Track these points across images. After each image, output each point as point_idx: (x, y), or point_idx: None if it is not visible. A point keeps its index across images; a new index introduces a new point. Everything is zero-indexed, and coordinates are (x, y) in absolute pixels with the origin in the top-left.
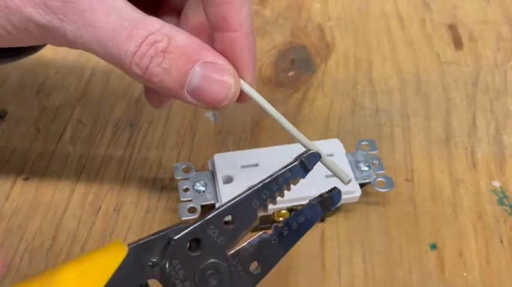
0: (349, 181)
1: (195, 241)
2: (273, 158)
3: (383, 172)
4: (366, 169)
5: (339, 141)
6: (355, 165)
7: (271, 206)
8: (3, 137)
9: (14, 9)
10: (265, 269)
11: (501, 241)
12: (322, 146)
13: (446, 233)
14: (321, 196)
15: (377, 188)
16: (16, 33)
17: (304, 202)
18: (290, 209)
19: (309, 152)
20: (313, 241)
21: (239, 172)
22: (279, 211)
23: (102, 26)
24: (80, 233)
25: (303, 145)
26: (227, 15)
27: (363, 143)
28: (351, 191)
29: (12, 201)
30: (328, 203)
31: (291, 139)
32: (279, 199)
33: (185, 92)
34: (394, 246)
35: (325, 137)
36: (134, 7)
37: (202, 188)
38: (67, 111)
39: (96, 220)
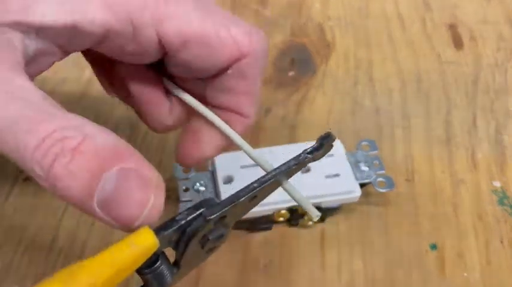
0: (318, 216)
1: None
2: (273, 158)
3: (383, 172)
4: (366, 169)
5: (339, 141)
6: (355, 165)
7: (271, 206)
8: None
9: None
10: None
11: (501, 241)
12: None
13: (446, 233)
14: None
15: (377, 189)
16: None
17: None
18: (290, 209)
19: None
20: (313, 241)
21: (239, 172)
22: (279, 211)
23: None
24: (79, 233)
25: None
26: (241, 106)
27: (363, 143)
28: (351, 191)
29: (12, 201)
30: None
31: (291, 139)
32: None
33: (94, 203)
34: (394, 246)
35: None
36: (49, 97)
37: (202, 188)
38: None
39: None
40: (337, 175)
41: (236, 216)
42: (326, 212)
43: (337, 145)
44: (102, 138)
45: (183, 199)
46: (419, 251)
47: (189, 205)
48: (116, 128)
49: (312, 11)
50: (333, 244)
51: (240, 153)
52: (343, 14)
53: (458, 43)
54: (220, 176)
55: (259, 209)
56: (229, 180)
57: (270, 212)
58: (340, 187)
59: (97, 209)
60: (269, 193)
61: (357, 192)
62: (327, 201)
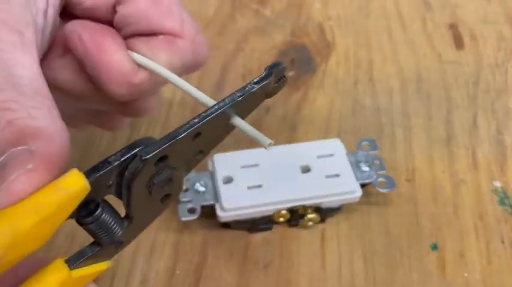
0: (270, 144)
1: (162, 157)
2: (273, 158)
3: (384, 172)
4: (367, 169)
5: (340, 141)
6: (355, 165)
7: (271, 206)
8: None
9: None
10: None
11: (502, 242)
12: (322, 146)
13: (447, 233)
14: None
15: (378, 189)
16: None
17: (304, 202)
18: (290, 210)
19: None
20: (314, 241)
21: (239, 172)
22: (279, 211)
23: None
24: (78, 233)
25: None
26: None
27: (363, 143)
28: (351, 191)
29: None
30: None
31: (291, 139)
32: None
33: None
34: (394, 246)
35: (325, 137)
36: (40, 80)
37: (202, 189)
38: None
39: None
40: (337, 175)
41: (181, 156)
42: (326, 212)
43: (338, 144)
44: (38, 122)
45: (183, 199)
46: (419, 251)
47: (190, 205)
48: None
49: (312, 10)
50: (333, 244)
51: (240, 153)
52: (343, 14)
53: (458, 43)
54: (220, 176)
55: (260, 210)
56: (229, 180)
57: (270, 213)
58: (341, 187)
59: None
60: (218, 131)
61: (358, 192)
62: (328, 201)
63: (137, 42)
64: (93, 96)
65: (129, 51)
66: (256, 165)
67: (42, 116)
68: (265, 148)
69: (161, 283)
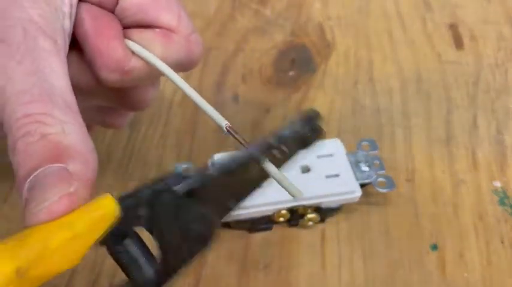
0: (299, 193)
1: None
2: None
3: (384, 172)
4: (367, 169)
5: (340, 141)
6: (355, 165)
7: (271, 206)
8: (3, 138)
9: None
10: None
11: (502, 242)
12: (322, 146)
13: (447, 233)
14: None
15: (378, 189)
16: None
17: (304, 202)
18: (290, 210)
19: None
20: (314, 241)
21: None
22: (279, 211)
23: (14, 81)
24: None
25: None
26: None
27: (363, 143)
28: (351, 191)
29: (11, 202)
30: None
31: None
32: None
33: (26, 185)
34: (394, 246)
35: (325, 137)
36: (69, 90)
37: None
38: None
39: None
40: (337, 175)
41: (212, 196)
42: (326, 212)
43: (338, 144)
44: (72, 140)
45: None
46: (419, 251)
47: None
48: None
49: (312, 10)
50: (333, 244)
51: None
52: (343, 14)
53: (458, 43)
54: None
55: (259, 209)
56: None
57: (270, 213)
58: (341, 187)
59: (25, 189)
60: (250, 174)
61: (358, 192)
62: (327, 201)
63: (134, 32)
64: (96, 91)
65: (126, 40)
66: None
67: (75, 133)
68: (293, 197)
69: None
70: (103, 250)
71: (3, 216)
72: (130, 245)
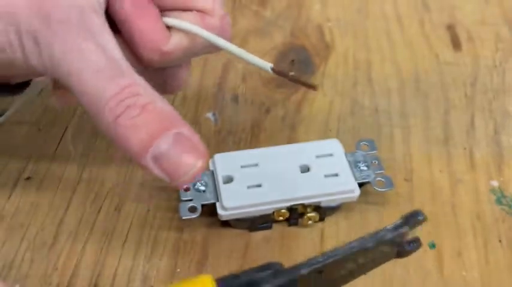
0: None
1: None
2: (273, 158)
3: (382, 171)
4: (365, 168)
5: (338, 141)
6: (354, 165)
7: (271, 205)
8: (4, 137)
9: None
10: None
11: (500, 241)
12: (321, 146)
13: (445, 232)
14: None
15: (376, 188)
16: None
17: (304, 201)
18: (290, 209)
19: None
20: (313, 240)
21: (239, 172)
22: (278, 210)
23: (88, 59)
24: (81, 232)
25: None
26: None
27: (362, 143)
28: (350, 191)
29: (13, 200)
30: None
31: (291, 139)
32: None
33: (148, 156)
34: None
35: (324, 137)
36: (123, 56)
37: (203, 188)
38: (68, 111)
39: (97, 219)
40: (336, 175)
41: None
42: (326, 211)
43: (337, 144)
44: (163, 103)
45: (184, 199)
46: (417, 250)
47: (191, 204)
48: None
49: (311, 12)
50: (333, 243)
51: (240, 153)
52: (343, 15)
53: (456, 44)
54: (221, 175)
55: (259, 209)
56: (229, 179)
57: (270, 212)
58: (339, 186)
59: (150, 162)
60: (343, 270)
61: (356, 191)
62: (326, 200)
63: (171, 14)
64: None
65: (164, 17)
66: (256, 165)
67: (160, 98)
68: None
69: (162, 281)
70: (103, 250)
71: (6, 214)
72: None
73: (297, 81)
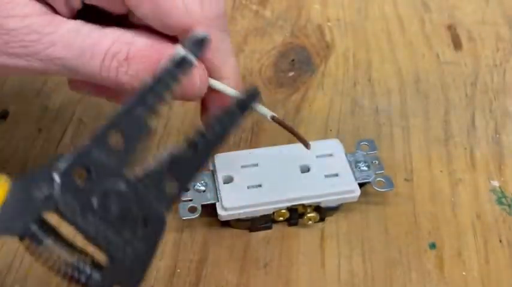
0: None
1: (84, 170)
2: (273, 158)
3: (382, 171)
4: (366, 168)
5: (339, 141)
6: (354, 165)
7: (271, 205)
8: (4, 137)
9: None
10: (182, 186)
11: (500, 241)
12: (321, 146)
13: (445, 232)
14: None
15: (377, 188)
16: None
17: (304, 201)
18: (290, 209)
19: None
20: (313, 240)
21: (239, 171)
22: (278, 210)
23: (70, 47)
24: None
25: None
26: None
27: (362, 143)
28: (350, 191)
29: None
30: (245, 103)
31: (291, 139)
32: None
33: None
34: (393, 245)
35: (324, 137)
36: (87, 23)
37: (203, 188)
38: (68, 111)
39: None
40: (336, 175)
41: (107, 167)
42: (326, 211)
43: (337, 144)
44: (140, 42)
45: (184, 199)
46: (418, 250)
47: (190, 204)
48: None
49: (311, 12)
50: (333, 243)
51: (240, 153)
52: (343, 15)
53: (457, 44)
54: (221, 175)
55: (260, 209)
56: (229, 179)
57: (270, 212)
58: (340, 186)
59: None
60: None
61: (356, 192)
62: (327, 200)
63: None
64: None
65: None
66: (256, 165)
67: (129, 37)
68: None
69: (162, 282)
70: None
71: None
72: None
73: (294, 134)
